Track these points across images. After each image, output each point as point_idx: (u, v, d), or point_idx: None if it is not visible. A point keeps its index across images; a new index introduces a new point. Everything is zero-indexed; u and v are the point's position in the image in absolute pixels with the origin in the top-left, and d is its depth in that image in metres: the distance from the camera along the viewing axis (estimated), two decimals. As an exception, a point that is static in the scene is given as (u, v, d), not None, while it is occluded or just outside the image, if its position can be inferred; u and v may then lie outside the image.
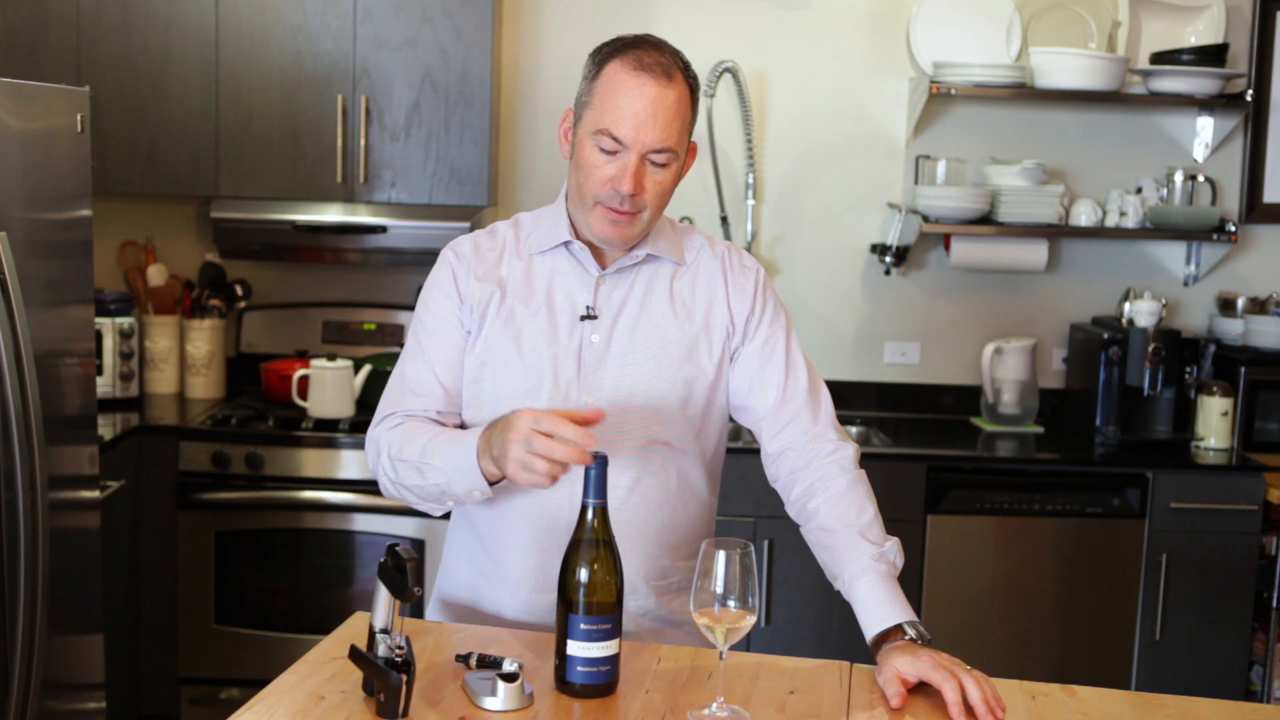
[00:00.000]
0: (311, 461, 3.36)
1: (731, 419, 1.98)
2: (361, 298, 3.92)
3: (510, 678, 1.55)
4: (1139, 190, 3.82)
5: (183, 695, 3.44)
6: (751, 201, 3.83)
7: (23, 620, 2.29)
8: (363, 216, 3.63)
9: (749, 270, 1.94)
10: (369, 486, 3.35)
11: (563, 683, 1.60)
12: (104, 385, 3.58)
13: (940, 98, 3.68)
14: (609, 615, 1.58)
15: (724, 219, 3.83)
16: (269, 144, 3.53)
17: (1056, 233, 3.72)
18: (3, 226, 2.25)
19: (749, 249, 3.84)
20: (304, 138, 3.53)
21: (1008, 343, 3.75)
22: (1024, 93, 3.62)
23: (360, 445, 3.35)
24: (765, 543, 3.33)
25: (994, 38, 3.71)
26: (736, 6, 3.79)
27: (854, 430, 3.69)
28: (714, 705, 1.57)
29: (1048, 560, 3.43)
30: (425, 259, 3.72)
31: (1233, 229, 3.69)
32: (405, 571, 1.50)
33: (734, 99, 3.78)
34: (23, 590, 2.28)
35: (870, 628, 1.73)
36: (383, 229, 3.62)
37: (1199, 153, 3.86)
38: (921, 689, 1.65)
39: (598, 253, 1.88)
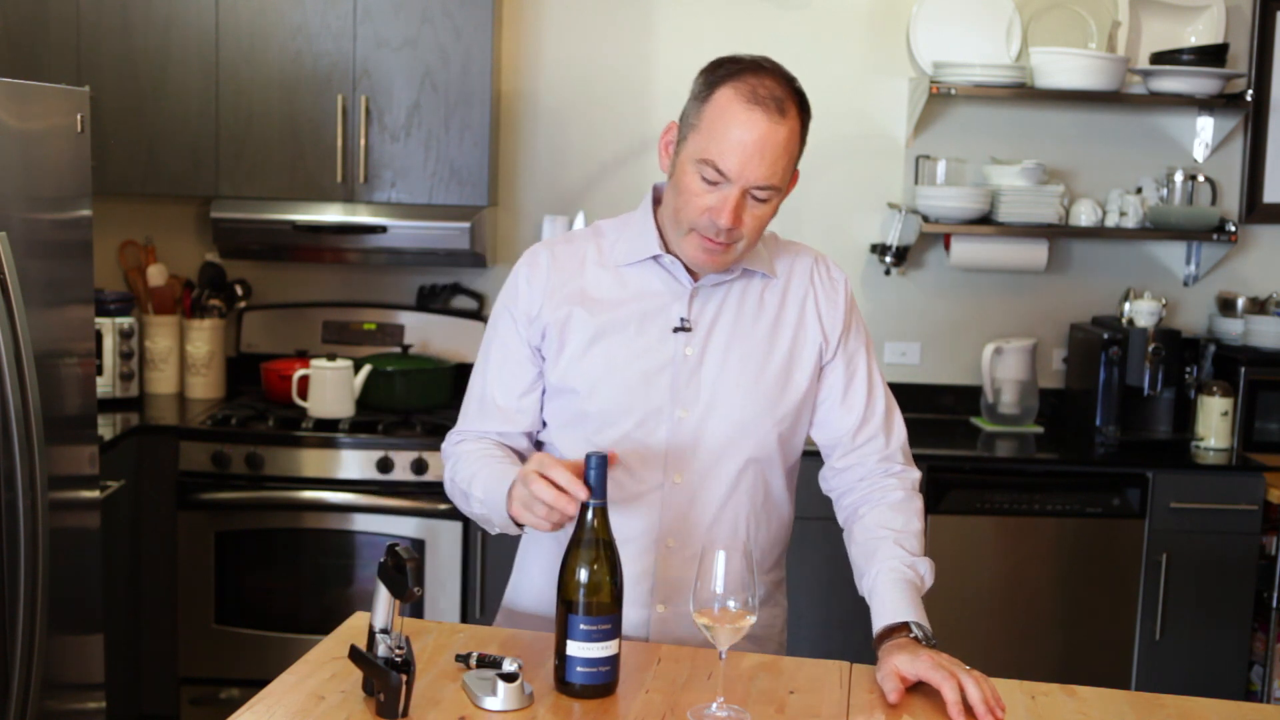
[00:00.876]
0: (311, 461, 3.36)
1: None
2: (361, 298, 3.92)
3: (510, 678, 1.55)
4: (1139, 190, 3.82)
5: (183, 695, 3.44)
6: (751, 201, 3.83)
7: (23, 620, 2.29)
8: (363, 216, 3.62)
9: (838, 282, 1.91)
10: (369, 486, 3.35)
11: (562, 683, 1.60)
12: (104, 385, 3.58)
13: (940, 98, 3.68)
14: (609, 616, 1.58)
15: (724, 219, 3.83)
16: (269, 144, 3.53)
17: (1056, 233, 3.72)
18: (3, 226, 2.25)
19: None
20: (304, 138, 3.53)
21: (1008, 343, 3.75)
22: (1024, 93, 3.62)
23: (360, 445, 3.36)
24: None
25: (994, 38, 3.71)
26: (736, 6, 3.79)
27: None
28: (714, 705, 1.57)
29: (1048, 560, 3.43)
30: (425, 259, 3.73)
31: (1233, 229, 3.69)
32: (405, 571, 1.50)
33: (734, 99, 3.77)
34: (23, 590, 2.28)
35: (878, 621, 1.73)
36: (383, 229, 3.62)
37: (1199, 153, 3.86)
38: (923, 689, 1.65)
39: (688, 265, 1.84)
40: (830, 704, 1.63)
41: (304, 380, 3.49)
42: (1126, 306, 3.72)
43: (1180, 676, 3.40)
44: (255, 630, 3.41)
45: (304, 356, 3.61)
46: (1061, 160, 3.85)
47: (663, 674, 1.69)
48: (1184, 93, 3.60)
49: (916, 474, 1.93)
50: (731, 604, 1.53)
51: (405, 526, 3.35)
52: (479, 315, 3.89)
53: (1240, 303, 3.83)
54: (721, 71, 1.73)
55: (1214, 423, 3.59)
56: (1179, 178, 3.74)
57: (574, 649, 1.58)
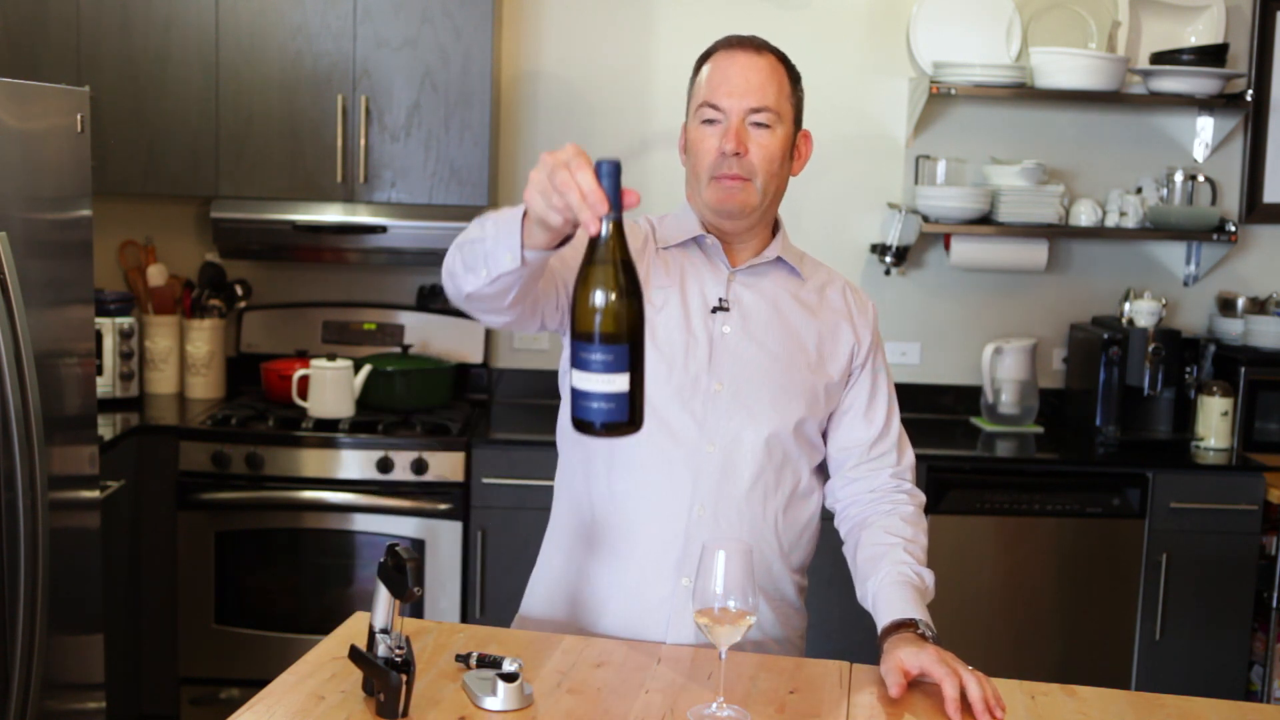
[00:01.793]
0: (311, 461, 3.36)
1: None
2: (361, 298, 3.92)
3: (510, 678, 1.55)
4: (1139, 190, 3.82)
5: (183, 695, 3.44)
6: (751, 201, 3.83)
7: (23, 620, 2.29)
8: (363, 216, 3.63)
9: (866, 302, 2.01)
10: (369, 486, 3.35)
11: (579, 423, 1.42)
12: (104, 385, 3.58)
13: (940, 98, 3.68)
14: (625, 345, 1.40)
15: (724, 219, 3.83)
16: (269, 144, 3.53)
17: (1056, 233, 3.72)
18: (3, 226, 2.25)
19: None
20: (304, 138, 3.53)
21: (1008, 343, 3.75)
22: (1024, 93, 3.62)
23: (360, 445, 3.36)
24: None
25: (994, 38, 3.71)
26: (736, 6, 3.79)
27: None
28: (714, 705, 1.57)
29: (1048, 560, 3.43)
30: (425, 259, 3.73)
31: (1233, 229, 3.69)
32: (405, 571, 1.50)
33: (734, 99, 3.77)
34: (23, 590, 2.28)
35: (884, 617, 1.75)
36: (383, 229, 3.62)
37: (1199, 153, 3.86)
38: (925, 689, 1.65)
39: (729, 250, 1.93)
40: (830, 704, 1.63)
41: (304, 380, 3.49)
42: (1126, 306, 3.72)
43: (1180, 676, 3.40)
44: (255, 630, 3.41)
45: (304, 356, 3.61)
46: (1061, 160, 3.85)
47: (663, 674, 1.69)
48: (1184, 93, 3.60)
49: (924, 497, 2.01)
50: (732, 604, 1.53)
51: (405, 526, 3.35)
52: (479, 315, 3.89)
53: (1240, 303, 3.83)
54: (707, 50, 1.94)
55: (1214, 423, 3.59)
56: (1179, 178, 3.74)
57: (581, 380, 1.40)
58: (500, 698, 1.55)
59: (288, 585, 3.42)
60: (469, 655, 1.66)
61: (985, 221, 3.69)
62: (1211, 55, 3.61)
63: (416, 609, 3.23)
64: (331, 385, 3.46)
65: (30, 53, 3.44)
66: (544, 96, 3.84)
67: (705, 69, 1.90)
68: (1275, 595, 3.39)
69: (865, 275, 3.90)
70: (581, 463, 1.92)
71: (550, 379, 3.76)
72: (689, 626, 1.83)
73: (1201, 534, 3.40)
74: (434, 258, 3.73)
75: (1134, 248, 3.92)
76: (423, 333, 3.86)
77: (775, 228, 1.96)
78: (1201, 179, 3.78)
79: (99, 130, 3.23)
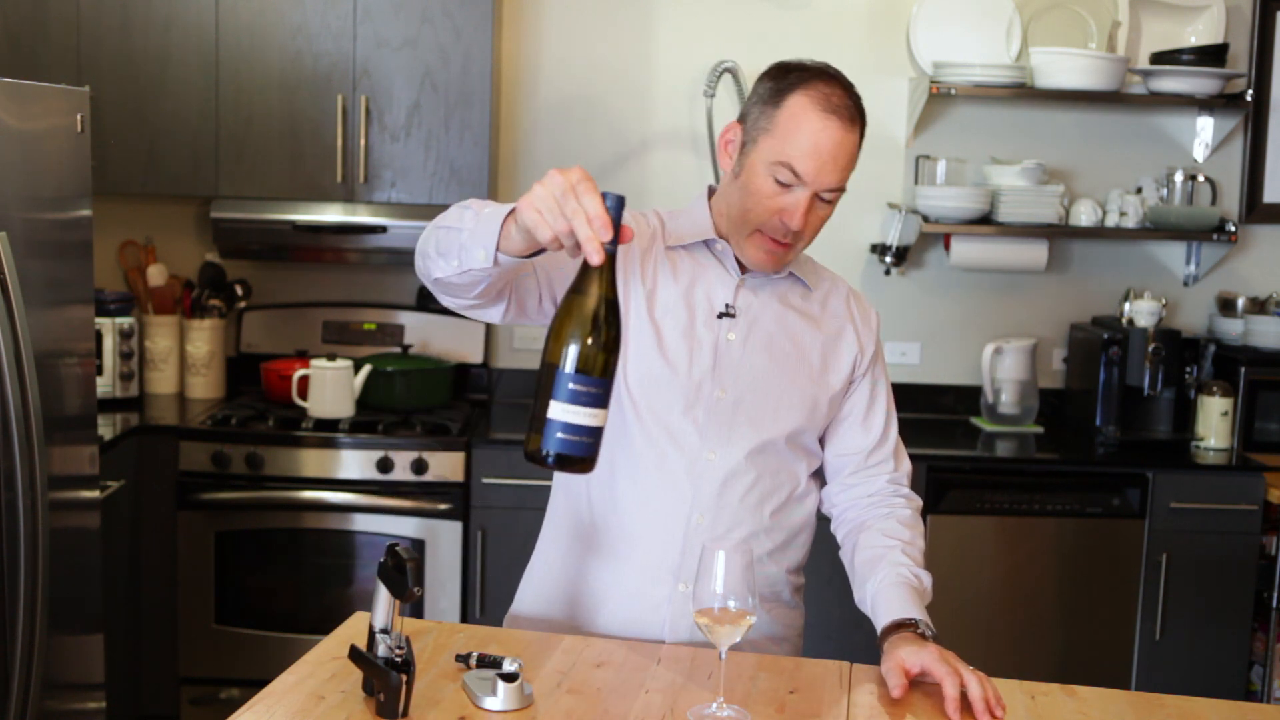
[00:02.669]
0: (311, 461, 3.36)
1: None
2: (361, 298, 3.92)
3: (510, 678, 1.55)
4: (1139, 190, 3.82)
5: (183, 695, 3.44)
6: (751, 201, 3.83)
7: (23, 620, 2.29)
8: (363, 216, 3.63)
9: (869, 311, 2.01)
10: (369, 486, 3.35)
11: (534, 454, 1.40)
12: (104, 385, 3.58)
13: (940, 98, 3.68)
14: (603, 380, 1.40)
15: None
16: (269, 144, 3.53)
17: (1056, 233, 3.72)
18: (3, 226, 2.25)
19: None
20: (304, 138, 3.53)
21: (1008, 343, 3.75)
22: (1024, 93, 3.62)
23: (360, 445, 3.36)
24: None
25: (994, 38, 3.71)
26: (736, 6, 3.79)
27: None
28: (714, 705, 1.57)
29: (1048, 560, 3.43)
30: (425, 259, 3.72)
31: (1233, 229, 3.69)
32: (405, 571, 1.50)
33: (734, 99, 3.77)
34: (23, 590, 2.28)
35: (884, 617, 1.75)
36: (383, 229, 3.62)
37: (1199, 153, 3.87)
38: (926, 689, 1.65)
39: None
40: (830, 704, 1.63)
41: (304, 380, 3.49)
42: (1126, 306, 3.72)
43: (1180, 676, 3.40)
44: (255, 630, 3.41)
45: (304, 356, 3.62)
46: (1061, 160, 3.85)
47: (663, 674, 1.69)
48: (1184, 93, 3.60)
49: (920, 501, 2.00)
50: (731, 604, 1.53)
51: (405, 526, 3.35)
52: (479, 315, 3.89)
53: (1240, 303, 3.83)
54: (792, 78, 1.80)
55: (1214, 423, 3.59)
56: (1179, 178, 3.74)
57: (557, 411, 1.38)
58: (500, 698, 1.55)
59: (288, 585, 3.42)
60: (469, 655, 1.66)
61: (985, 221, 3.69)
62: (1211, 55, 3.62)
63: (416, 609, 3.23)
64: (331, 385, 3.46)
65: (30, 53, 3.44)
66: (544, 96, 3.84)
67: (793, 115, 1.77)
68: (1275, 595, 3.39)
69: (865, 275, 3.90)
70: None
71: (550, 379, 3.75)
72: (686, 632, 1.83)
73: (1201, 534, 3.40)
74: (434, 258, 3.73)
75: (1134, 248, 3.92)
76: (423, 333, 3.86)
77: None
78: (1201, 179, 3.78)
79: (99, 130, 3.23)
